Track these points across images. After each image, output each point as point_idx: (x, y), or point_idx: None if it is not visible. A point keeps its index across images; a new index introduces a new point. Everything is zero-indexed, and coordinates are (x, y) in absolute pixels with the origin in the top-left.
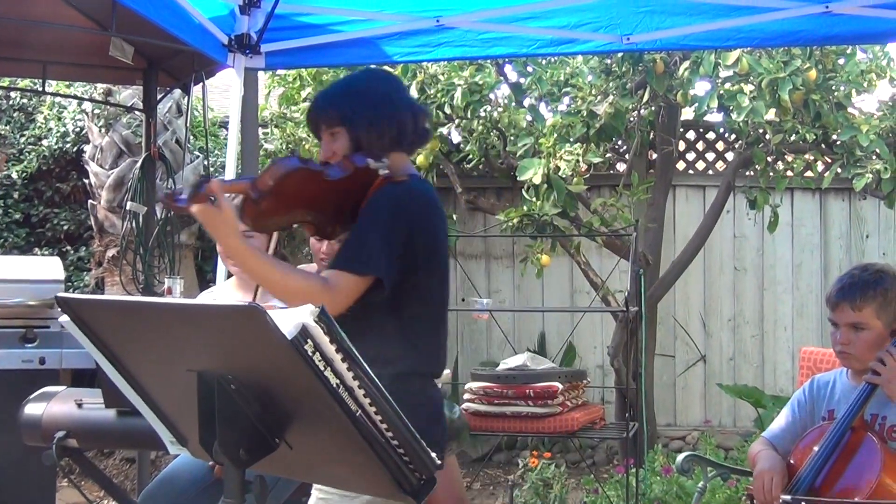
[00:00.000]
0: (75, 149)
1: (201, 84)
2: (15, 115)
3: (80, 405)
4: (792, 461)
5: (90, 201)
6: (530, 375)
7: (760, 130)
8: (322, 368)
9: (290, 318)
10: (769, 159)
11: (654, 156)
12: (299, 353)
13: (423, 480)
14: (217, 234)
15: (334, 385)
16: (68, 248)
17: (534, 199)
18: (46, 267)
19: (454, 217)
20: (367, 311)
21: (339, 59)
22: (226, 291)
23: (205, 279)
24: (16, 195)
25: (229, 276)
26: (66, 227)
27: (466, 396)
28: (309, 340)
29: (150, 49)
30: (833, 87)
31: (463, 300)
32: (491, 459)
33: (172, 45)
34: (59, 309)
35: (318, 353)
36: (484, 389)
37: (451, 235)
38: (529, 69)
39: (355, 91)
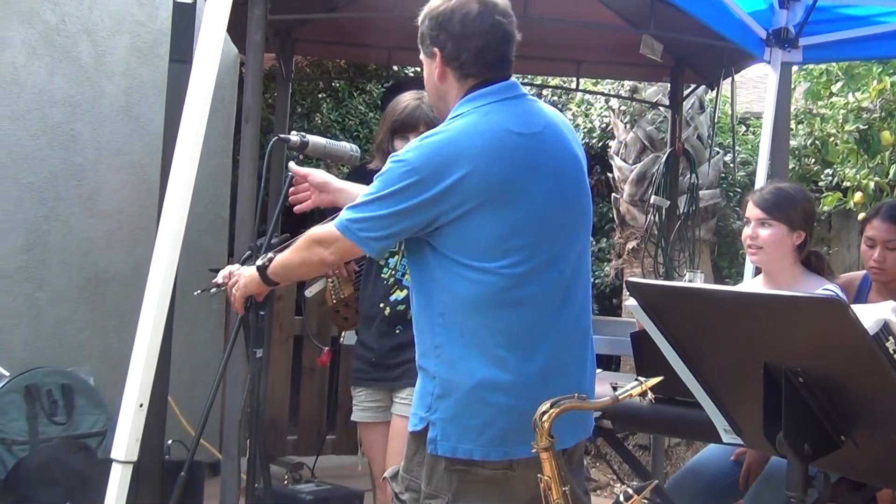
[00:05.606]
0: (600, 144)
1: (729, 80)
2: None
3: (615, 388)
4: None
5: (613, 195)
6: None
7: None
8: None
9: (871, 313)
10: None
11: None
12: (881, 349)
13: None
14: None
15: None
16: (591, 239)
17: None
18: None
19: None
20: None
21: (877, 52)
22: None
23: (720, 275)
24: None
25: (757, 272)
26: None
27: None
28: (891, 337)
29: (679, 46)
30: None
31: None
32: None
33: (703, 41)
34: (629, 293)
35: None
36: None
37: None
38: None
39: None
